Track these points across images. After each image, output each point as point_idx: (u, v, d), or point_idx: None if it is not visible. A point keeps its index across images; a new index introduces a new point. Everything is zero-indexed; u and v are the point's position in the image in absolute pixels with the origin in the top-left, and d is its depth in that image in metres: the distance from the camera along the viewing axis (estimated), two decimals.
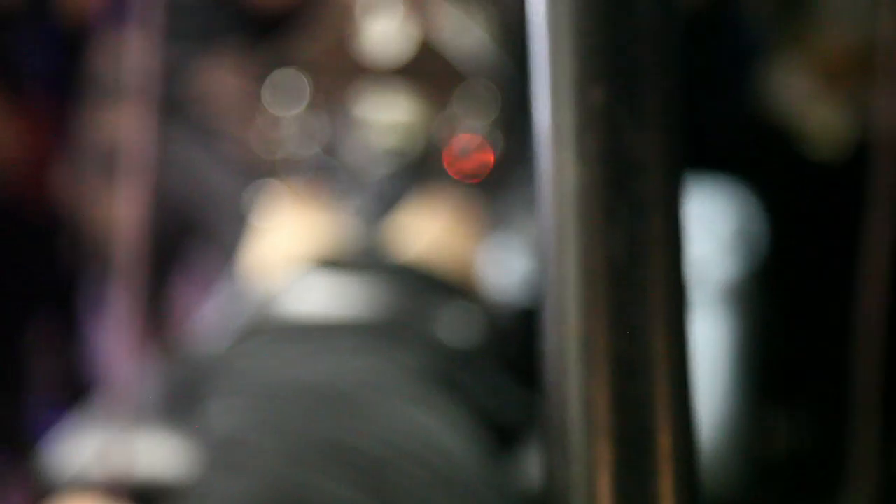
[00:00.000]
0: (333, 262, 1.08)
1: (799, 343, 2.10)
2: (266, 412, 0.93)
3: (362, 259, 1.06)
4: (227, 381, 0.98)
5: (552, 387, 0.43)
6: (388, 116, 1.43)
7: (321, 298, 1.05)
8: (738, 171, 1.94)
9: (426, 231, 1.06)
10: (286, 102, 1.24)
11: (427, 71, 1.37)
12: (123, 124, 2.00)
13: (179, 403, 1.06)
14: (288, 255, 1.11)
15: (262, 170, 1.24)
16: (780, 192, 1.99)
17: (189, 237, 2.08)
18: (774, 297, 2.08)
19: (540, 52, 0.43)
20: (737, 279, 1.93)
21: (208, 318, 1.26)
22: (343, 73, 1.38)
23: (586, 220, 0.41)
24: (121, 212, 2.05)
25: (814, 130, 1.94)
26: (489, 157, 1.36)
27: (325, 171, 1.23)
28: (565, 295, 0.42)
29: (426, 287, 1.02)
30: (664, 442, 0.41)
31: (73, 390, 2.32)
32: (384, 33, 1.34)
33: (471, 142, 1.23)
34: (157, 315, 2.13)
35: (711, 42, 2.09)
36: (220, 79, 2.12)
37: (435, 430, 0.87)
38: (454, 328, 1.00)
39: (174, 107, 2.02)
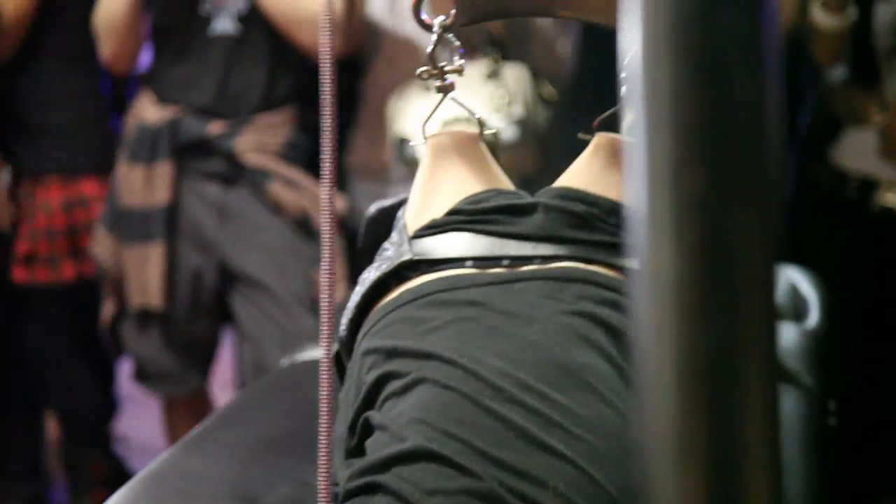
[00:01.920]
0: (508, 208, 0.93)
1: (860, 426, 2.07)
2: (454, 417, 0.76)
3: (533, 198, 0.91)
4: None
5: (649, 483, 0.42)
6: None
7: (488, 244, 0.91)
8: (801, 241, 1.95)
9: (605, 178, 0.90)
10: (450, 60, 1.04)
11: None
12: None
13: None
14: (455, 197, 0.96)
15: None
16: (845, 265, 1.95)
17: None
18: (829, 375, 2.08)
19: (637, 133, 0.42)
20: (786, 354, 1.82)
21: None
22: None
23: (685, 311, 0.40)
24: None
25: (883, 205, 1.93)
26: None
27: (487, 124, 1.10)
28: (662, 389, 0.41)
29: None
30: None
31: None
32: None
33: None
34: None
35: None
36: None
37: None
38: None
39: None
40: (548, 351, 0.74)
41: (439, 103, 0.98)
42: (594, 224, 0.86)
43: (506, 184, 0.99)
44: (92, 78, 2.16)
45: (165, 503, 1.06)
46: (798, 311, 1.84)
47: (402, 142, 1.77)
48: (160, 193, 1.87)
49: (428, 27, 0.96)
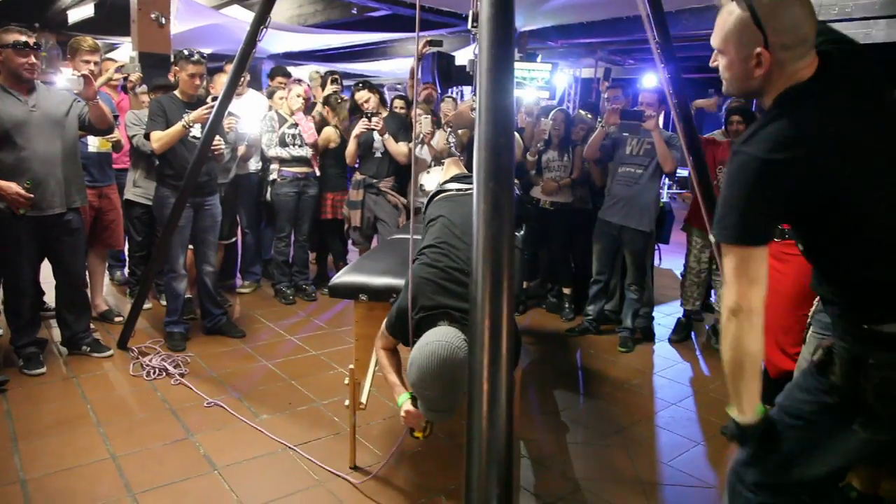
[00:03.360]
0: (464, 176, 1.22)
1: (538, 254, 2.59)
2: (446, 230, 1.02)
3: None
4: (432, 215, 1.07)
5: (474, 279, 0.61)
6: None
7: (458, 185, 1.18)
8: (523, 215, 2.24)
9: None
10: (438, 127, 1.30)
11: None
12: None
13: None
14: (450, 175, 1.26)
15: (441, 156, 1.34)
16: (532, 221, 2.57)
17: None
18: (530, 240, 2.70)
19: (477, 159, 0.59)
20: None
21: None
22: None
23: (488, 219, 0.63)
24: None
25: (540, 205, 2.55)
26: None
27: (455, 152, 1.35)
28: (478, 238, 0.64)
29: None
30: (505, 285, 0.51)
31: None
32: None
33: None
34: None
35: None
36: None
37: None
38: None
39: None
40: (470, 215, 0.73)
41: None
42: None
43: (465, 170, 1.27)
44: (344, 166, 2.59)
45: (351, 272, 1.35)
46: (519, 227, 2.29)
47: (421, 186, 2.25)
48: (359, 196, 2.62)
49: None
